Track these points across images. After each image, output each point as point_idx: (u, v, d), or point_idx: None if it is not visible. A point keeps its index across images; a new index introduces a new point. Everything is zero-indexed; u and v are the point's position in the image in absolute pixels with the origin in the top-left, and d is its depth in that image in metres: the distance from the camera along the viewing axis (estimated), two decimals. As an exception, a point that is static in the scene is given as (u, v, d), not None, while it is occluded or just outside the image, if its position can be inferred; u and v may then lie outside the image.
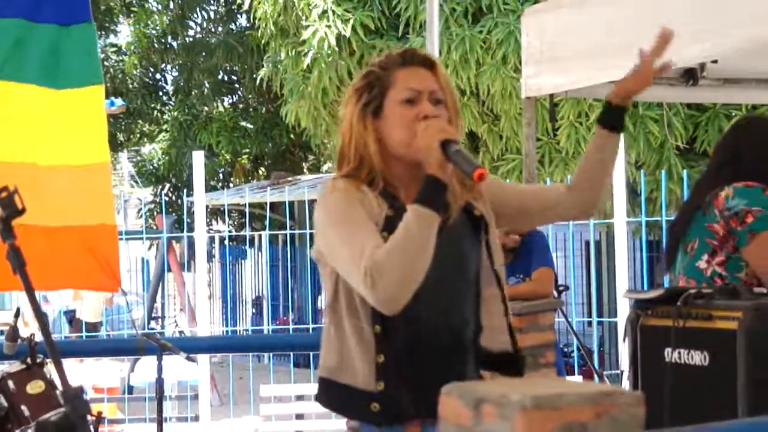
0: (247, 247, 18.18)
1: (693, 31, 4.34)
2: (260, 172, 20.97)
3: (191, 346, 5.36)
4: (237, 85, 20.26)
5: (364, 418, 2.72)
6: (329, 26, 11.27)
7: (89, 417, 3.65)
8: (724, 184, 3.84)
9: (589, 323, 10.98)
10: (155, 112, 20.99)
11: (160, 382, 4.66)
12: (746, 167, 3.89)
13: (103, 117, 5.03)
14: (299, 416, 8.00)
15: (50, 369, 4.03)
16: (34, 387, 3.98)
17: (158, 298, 15.51)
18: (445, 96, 2.74)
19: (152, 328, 15.01)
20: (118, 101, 18.71)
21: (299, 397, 7.92)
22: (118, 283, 4.87)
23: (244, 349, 8.18)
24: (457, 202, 2.75)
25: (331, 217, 2.68)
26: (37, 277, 4.29)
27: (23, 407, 3.94)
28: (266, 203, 12.03)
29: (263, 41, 13.21)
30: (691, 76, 5.26)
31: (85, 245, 4.74)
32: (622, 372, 3.75)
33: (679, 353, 3.40)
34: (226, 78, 20.22)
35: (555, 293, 4.99)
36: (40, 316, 2.79)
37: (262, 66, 14.13)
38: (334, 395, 2.77)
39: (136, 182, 25.03)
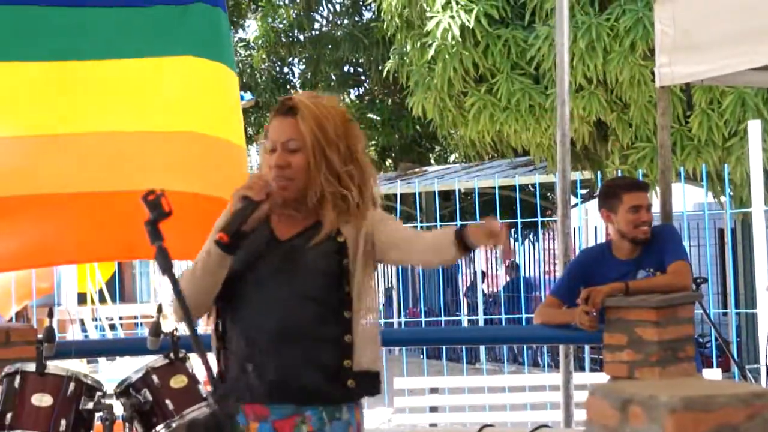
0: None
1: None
2: (387, 163, 21.04)
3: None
4: (363, 77, 20.33)
5: None
6: (453, 17, 11.23)
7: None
8: None
9: (725, 314, 10.75)
10: (283, 105, 21.19)
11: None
12: None
13: (239, 104, 5.02)
14: (433, 409, 8.02)
15: (191, 363, 4.10)
16: (177, 381, 4.04)
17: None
18: (305, 141, 3.13)
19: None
20: (247, 95, 18.98)
21: (433, 390, 7.93)
22: None
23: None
24: (328, 227, 3.14)
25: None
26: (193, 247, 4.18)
27: (167, 401, 3.99)
28: (395, 195, 12.07)
29: (389, 33, 13.23)
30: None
31: None
32: (766, 366, 3.66)
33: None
34: (352, 70, 20.30)
35: (693, 286, 4.89)
36: (187, 314, 2.84)
37: (388, 58, 14.16)
38: None
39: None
